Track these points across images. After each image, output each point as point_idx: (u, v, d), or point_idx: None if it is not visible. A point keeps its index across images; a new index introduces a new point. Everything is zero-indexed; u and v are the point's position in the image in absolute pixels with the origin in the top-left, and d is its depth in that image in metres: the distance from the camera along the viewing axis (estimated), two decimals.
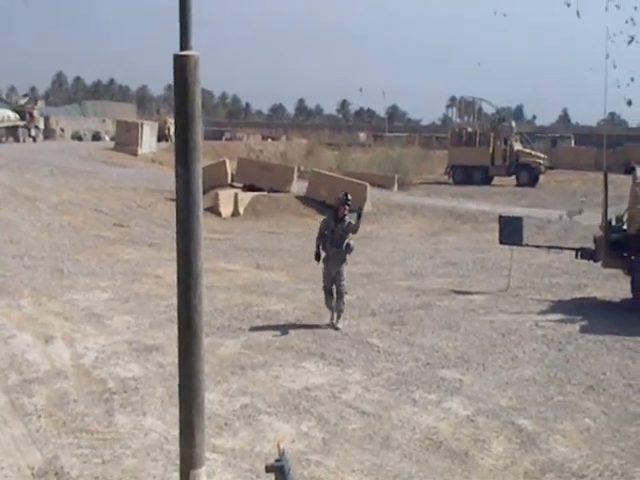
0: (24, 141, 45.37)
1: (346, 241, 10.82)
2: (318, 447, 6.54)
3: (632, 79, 11.24)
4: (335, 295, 10.83)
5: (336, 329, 10.58)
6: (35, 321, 10.43)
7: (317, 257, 11.05)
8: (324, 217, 11.69)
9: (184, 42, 4.00)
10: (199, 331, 4.30)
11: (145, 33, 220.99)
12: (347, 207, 10.73)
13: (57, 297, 11.89)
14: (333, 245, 10.84)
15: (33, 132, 48.04)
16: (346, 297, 10.98)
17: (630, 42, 10.51)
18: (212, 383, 8.00)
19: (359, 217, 10.81)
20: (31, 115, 48.20)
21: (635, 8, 10.48)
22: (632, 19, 10.43)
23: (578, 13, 10.86)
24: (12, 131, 45.46)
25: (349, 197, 10.79)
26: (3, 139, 43.97)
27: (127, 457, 6.22)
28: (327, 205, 23.78)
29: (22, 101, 51.37)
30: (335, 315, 10.82)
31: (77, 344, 9.41)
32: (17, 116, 46.38)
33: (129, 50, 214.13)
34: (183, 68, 4.00)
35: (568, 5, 10.71)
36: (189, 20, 3.98)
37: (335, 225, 10.81)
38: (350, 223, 10.77)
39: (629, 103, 11.28)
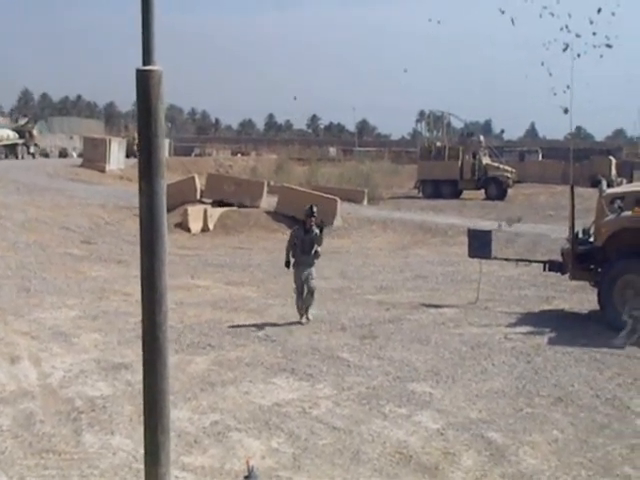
0: (23, 158, 47.81)
1: (314, 249, 11.90)
2: (288, 463, 6.50)
3: (568, 87, 11.32)
4: (306, 294, 11.84)
5: (307, 319, 11.77)
6: (1, 341, 10.27)
7: (287, 265, 12.10)
8: (294, 228, 12.63)
9: (147, 57, 3.97)
10: (164, 350, 4.26)
11: (112, 49, 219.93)
12: (314, 218, 11.91)
13: (24, 316, 11.74)
14: (303, 253, 11.91)
15: (32, 149, 50.60)
16: (316, 294, 12.05)
17: (565, 49, 10.61)
18: (182, 400, 7.95)
19: (321, 231, 12.02)
20: (30, 134, 50.77)
21: (569, 15, 10.58)
22: (567, 26, 10.53)
23: (512, 21, 10.97)
24: (11, 149, 47.81)
25: (314, 209, 11.98)
26: (2, 156, 45.87)
27: (95, 477, 6.14)
28: (297, 220, 23.80)
29: (22, 121, 54.15)
30: (304, 309, 11.86)
31: (44, 363, 9.28)
32: (16, 135, 48.89)
33: (96, 66, 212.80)
34: (146, 83, 3.97)
35: (502, 12, 10.84)
36: (151, 34, 3.96)
37: (304, 235, 11.91)
38: (317, 234, 11.92)
39: (565, 111, 11.34)
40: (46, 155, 57.35)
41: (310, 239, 11.88)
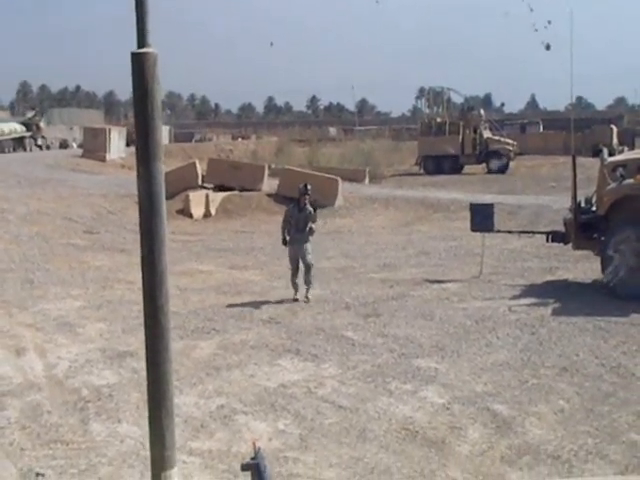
0: (31, 150, 49.24)
1: (308, 226, 12.17)
2: (295, 444, 6.52)
3: (549, 22, 11.08)
4: (303, 270, 12.11)
5: (307, 300, 11.88)
6: (6, 333, 10.28)
7: (284, 242, 12.40)
8: (288, 206, 12.84)
9: (141, 39, 3.92)
10: (166, 332, 4.25)
11: (110, 37, 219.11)
12: (307, 196, 12.11)
13: (28, 308, 11.75)
14: (298, 231, 12.20)
15: (40, 142, 52.21)
16: (313, 270, 12.18)
17: None
18: (187, 386, 7.97)
19: (315, 209, 12.35)
20: (37, 126, 52.33)
21: None
22: None
23: None
24: (19, 142, 49.20)
25: (308, 187, 12.15)
26: (10, 149, 47.13)
27: (103, 465, 6.16)
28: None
29: (29, 114, 55.75)
30: (305, 288, 12.05)
31: (49, 354, 9.30)
32: (23, 128, 50.40)
33: (95, 55, 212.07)
34: (141, 66, 3.93)
35: None
36: (146, 16, 3.90)
37: (298, 213, 12.21)
38: (311, 212, 12.20)
39: (547, 47, 11.09)
40: (47, 147, 57.63)
41: (304, 217, 12.14)
